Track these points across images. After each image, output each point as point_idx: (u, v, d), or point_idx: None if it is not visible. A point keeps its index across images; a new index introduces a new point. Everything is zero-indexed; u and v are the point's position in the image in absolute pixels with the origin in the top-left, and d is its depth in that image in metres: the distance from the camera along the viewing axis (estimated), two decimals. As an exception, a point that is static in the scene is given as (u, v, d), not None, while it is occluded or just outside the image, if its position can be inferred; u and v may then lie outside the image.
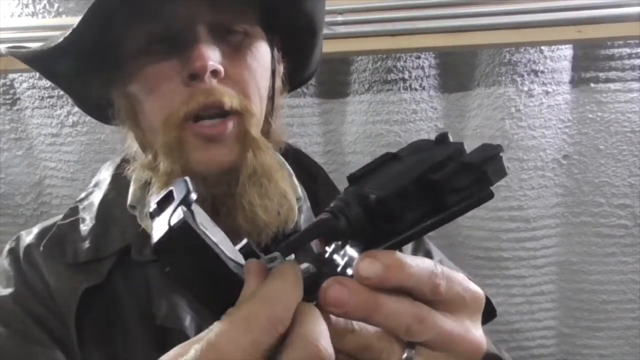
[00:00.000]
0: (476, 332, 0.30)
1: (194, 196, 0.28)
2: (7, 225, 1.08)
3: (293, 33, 0.59)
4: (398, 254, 0.28)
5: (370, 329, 0.29)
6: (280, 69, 0.61)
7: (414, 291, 0.28)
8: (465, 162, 0.27)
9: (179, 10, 0.50)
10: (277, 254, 0.29)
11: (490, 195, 0.28)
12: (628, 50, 0.97)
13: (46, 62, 0.55)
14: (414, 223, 0.27)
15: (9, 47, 0.59)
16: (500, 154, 0.27)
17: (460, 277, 0.30)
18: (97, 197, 0.61)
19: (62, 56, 0.52)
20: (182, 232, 0.26)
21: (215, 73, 0.49)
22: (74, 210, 0.61)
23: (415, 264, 0.28)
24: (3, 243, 0.62)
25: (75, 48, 0.51)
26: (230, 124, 0.51)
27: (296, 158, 0.66)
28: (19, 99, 1.04)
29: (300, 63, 0.64)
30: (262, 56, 0.55)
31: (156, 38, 0.51)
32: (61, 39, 0.50)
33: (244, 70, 0.53)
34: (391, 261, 0.27)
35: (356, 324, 0.28)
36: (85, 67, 0.54)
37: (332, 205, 0.28)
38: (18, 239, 0.60)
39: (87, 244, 0.56)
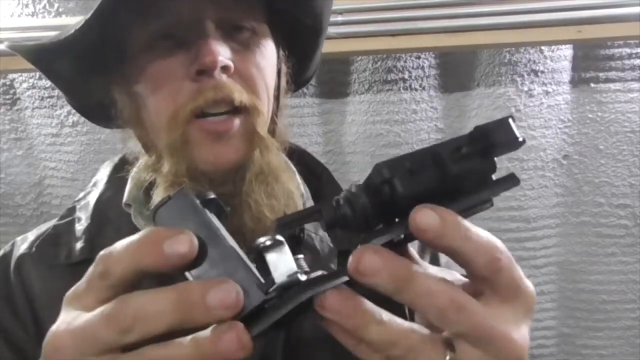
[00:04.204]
0: (524, 333, 0.27)
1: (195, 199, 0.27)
2: (7, 225, 1.08)
3: (299, 33, 0.58)
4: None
5: (401, 323, 0.26)
6: (285, 69, 0.60)
7: (468, 261, 0.26)
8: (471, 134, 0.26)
9: (185, 7, 0.49)
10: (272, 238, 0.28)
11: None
12: (628, 50, 0.97)
13: (48, 59, 0.54)
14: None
15: (10, 43, 0.58)
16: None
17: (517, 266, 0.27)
18: (93, 197, 0.60)
19: (64, 54, 0.51)
20: (181, 200, 0.26)
21: (225, 68, 0.48)
22: (71, 211, 0.60)
23: (474, 229, 0.25)
24: (3, 243, 0.62)
25: (78, 45, 0.50)
26: (238, 121, 0.50)
27: (300, 157, 0.65)
28: (19, 99, 1.04)
29: (302, 64, 0.63)
30: (269, 55, 0.54)
31: (161, 35, 0.50)
32: (65, 36, 0.49)
33: (252, 67, 0.52)
34: (450, 217, 0.25)
35: (385, 315, 0.26)
36: (87, 66, 0.53)
37: (339, 195, 0.27)
38: (13, 246, 0.59)
39: (81, 244, 0.55)
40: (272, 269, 0.27)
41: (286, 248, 0.28)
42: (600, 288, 1.05)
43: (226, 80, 0.49)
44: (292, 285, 0.26)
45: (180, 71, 0.49)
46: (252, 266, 0.27)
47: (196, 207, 0.27)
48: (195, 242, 0.25)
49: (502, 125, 0.26)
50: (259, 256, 0.28)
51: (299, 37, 0.59)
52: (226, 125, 0.49)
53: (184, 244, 0.25)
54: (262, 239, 0.28)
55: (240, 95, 0.49)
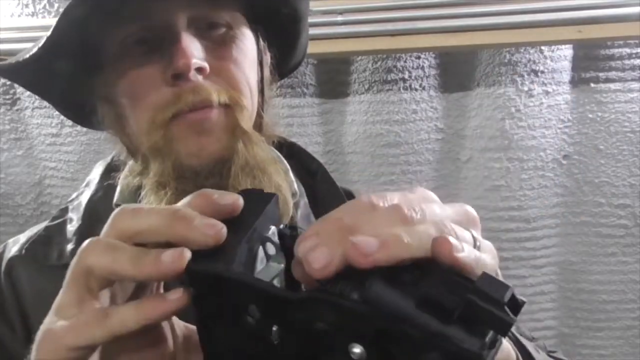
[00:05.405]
0: None
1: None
2: (7, 225, 1.08)
3: (277, 21, 0.57)
4: None
5: None
6: (267, 59, 0.59)
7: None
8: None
9: (156, 7, 0.48)
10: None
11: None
12: (628, 50, 0.97)
13: (25, 73, 0.53)
14: None
15: None
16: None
17: None
18: (85, 197, 0.60)
19: (40, 66, 0.50)
20: (265, 198, 0.31)
21: (200, 70, 0.48)
22: (63, 211, 0.60)
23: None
24: (2, 243, 0.62)
25: (52, 56, 0.49)
26: (216, 111, 0.49)
27: (295, 154, 0.64)
28: (19, 99, 1.04)
29: (286, 52, 0.62)
30: (247, 48, 0.53)
31: (135, 39, 0.49)
32: (35, 49, 0.48)
33: (230, 64, 0.51)
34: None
35: None
36: (65, 75, 0.52)
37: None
38: (4, 248, 0.59)
39: (72, 245, 0.55)
40: (261, 274, 0.29)
41: (283, 267, 0.30)
42: (600, 288, 1.05)
43: (203, 81, 0.48)
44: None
45: (157, 78, 0.49)
46: (252, 259, 0.28)
47: (265, 206, 0.30)
48: (240, 203, 0.29)
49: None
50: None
51: (278, 27, 0.58)
52: (204, 113, 0.49)
53: (229, 198, 0.29)
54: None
55: (218, 96, 0.48)
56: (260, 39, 0.57)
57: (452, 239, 0.24)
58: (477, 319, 0.22)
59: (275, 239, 0.30)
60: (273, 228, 0.30)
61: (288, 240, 0.31)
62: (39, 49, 0.48)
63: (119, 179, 0.57)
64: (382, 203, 0.27)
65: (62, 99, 0.59)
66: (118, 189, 0.58)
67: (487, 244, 0.29)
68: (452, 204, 0.29)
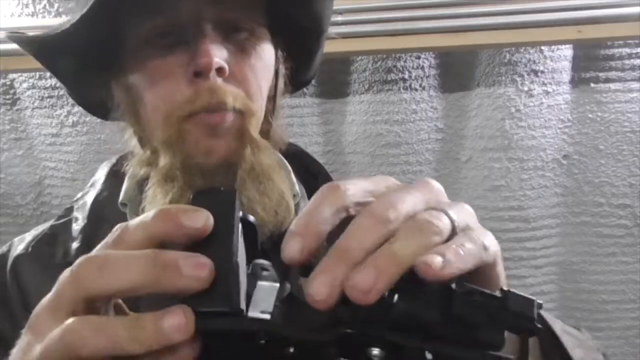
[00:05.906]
0: None
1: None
2: (7, 225, 1.08)
3: (298, 34, 0.58)
4: None
5: None
6: (282, 70, 0.60)
7: None
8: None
9: (184, 5, 0.49)
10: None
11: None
12: (628, 50, 0.97)
13: (47, 50, 0.54)
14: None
15: (10, 33, 0.58)
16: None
17: None
18: (90, 197, 0.61)
19: (63, 46, 0.51)
20: (224, 195, 0.29)
21: (220, 70, 0.49)
22: (68, 211, 0.61)
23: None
24: (3, 243, 0.62)
25: (78, 39, 0.50)
26: (231, 115, 0.50)
27: (297, 156, 0.65)
28: (19, 99, 1.04)
29: (303, 65, 0.63)
30: (266, 56, 0.55)
31: (160, 32, 0.50)
32: (63, 28, 0.49)
33: (247, 69, 0.52)
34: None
35: None
36: (87, 59, 0.53)
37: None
38: (10, 247, 0.59)
39: (77, 244, 0.56)
40: (253, 298, 0.27)
41: (277, 287, 0.28)
42: (600, 288, 1.05)
43: (220, 83, 0.49)
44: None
45: (178, 70, 0.50)
46: (242, 282, 0.27)
47: (233, 208, 0.28)
48: (211, 222, 0.26)
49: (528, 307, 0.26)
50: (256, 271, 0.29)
51: (298, 39, 0.59)
52: (220, 117, 0.50)
53: (199, 219, 0.26)
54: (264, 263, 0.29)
55: (233, 101, 0.49)
56: (279, 50, 0.58)
57: (431, 258, 0.25)
58: (501, 326, 0.26)
59: (262, 260, 0.29)
60: (240, 226, 0.29)
61: (252, 229, 0.30)
62: (72, 25, 0.48)
63: (126, 166, 0.58)
64: (349, 188, 0.28)
65: (79, 83, 0.60)
66: (124, 187, 0.58)
67: (463, 212, 0.29)
68: (415, 183, 0.29)
